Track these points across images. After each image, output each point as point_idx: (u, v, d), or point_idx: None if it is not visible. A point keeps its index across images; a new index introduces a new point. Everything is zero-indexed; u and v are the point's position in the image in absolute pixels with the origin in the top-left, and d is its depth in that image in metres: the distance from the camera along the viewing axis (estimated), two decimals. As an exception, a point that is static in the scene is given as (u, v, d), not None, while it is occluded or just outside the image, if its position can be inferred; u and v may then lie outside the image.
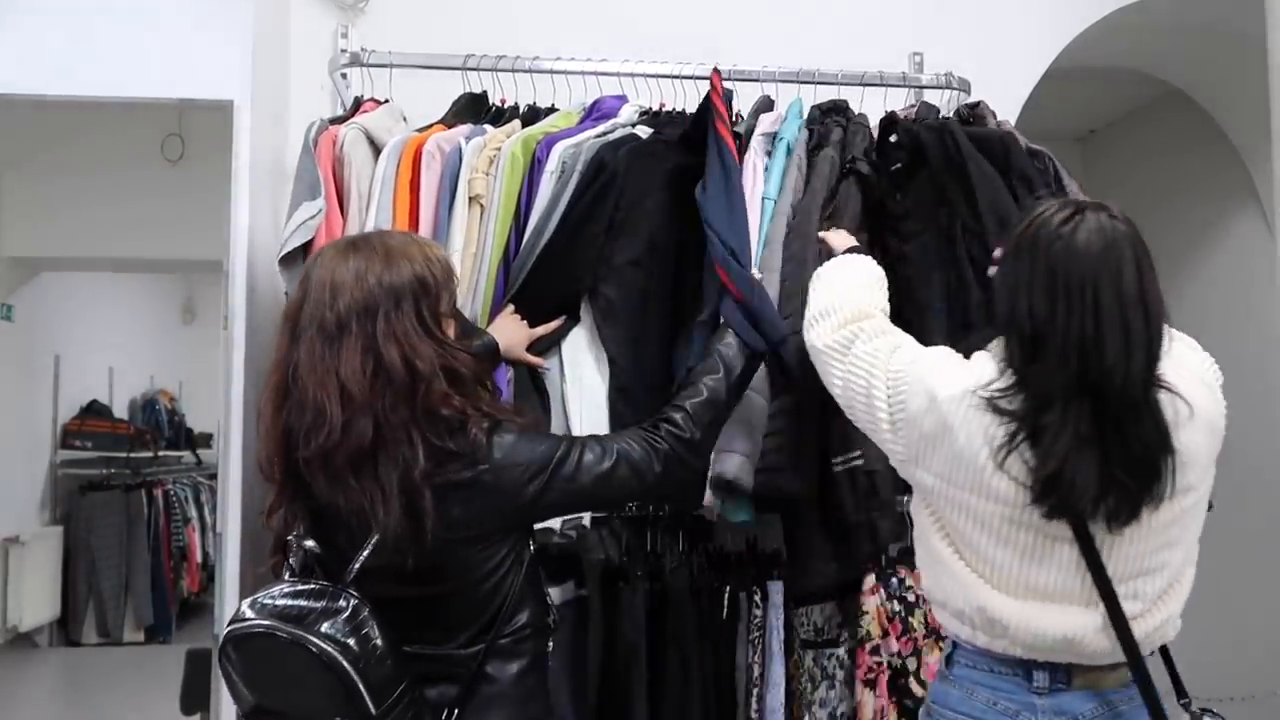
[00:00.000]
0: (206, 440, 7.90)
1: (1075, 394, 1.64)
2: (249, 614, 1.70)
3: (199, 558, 7.34)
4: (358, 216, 2.44)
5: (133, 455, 7.13)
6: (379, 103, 2.67)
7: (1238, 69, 3.69)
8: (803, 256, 2.37)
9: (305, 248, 2.40)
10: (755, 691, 2.49)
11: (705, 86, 2.76)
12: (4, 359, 5.95)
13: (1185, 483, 1.68)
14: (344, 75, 2.83)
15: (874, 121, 2.67)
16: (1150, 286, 1.65)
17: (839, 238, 2.31)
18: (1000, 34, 3.45)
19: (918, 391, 1.79)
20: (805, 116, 2.65)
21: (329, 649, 1.63)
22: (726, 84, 2.80)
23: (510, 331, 2.33)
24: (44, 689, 6.11)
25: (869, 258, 2.20)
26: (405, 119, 2.66)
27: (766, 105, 2.69)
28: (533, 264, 2.38)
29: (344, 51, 2.85)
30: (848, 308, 2.00)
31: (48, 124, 4.86)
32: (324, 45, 3.03)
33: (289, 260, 2.40)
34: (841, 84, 2.83)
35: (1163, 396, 1.66)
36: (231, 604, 2.71)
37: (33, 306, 6.17)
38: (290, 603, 1.69)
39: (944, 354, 1.86)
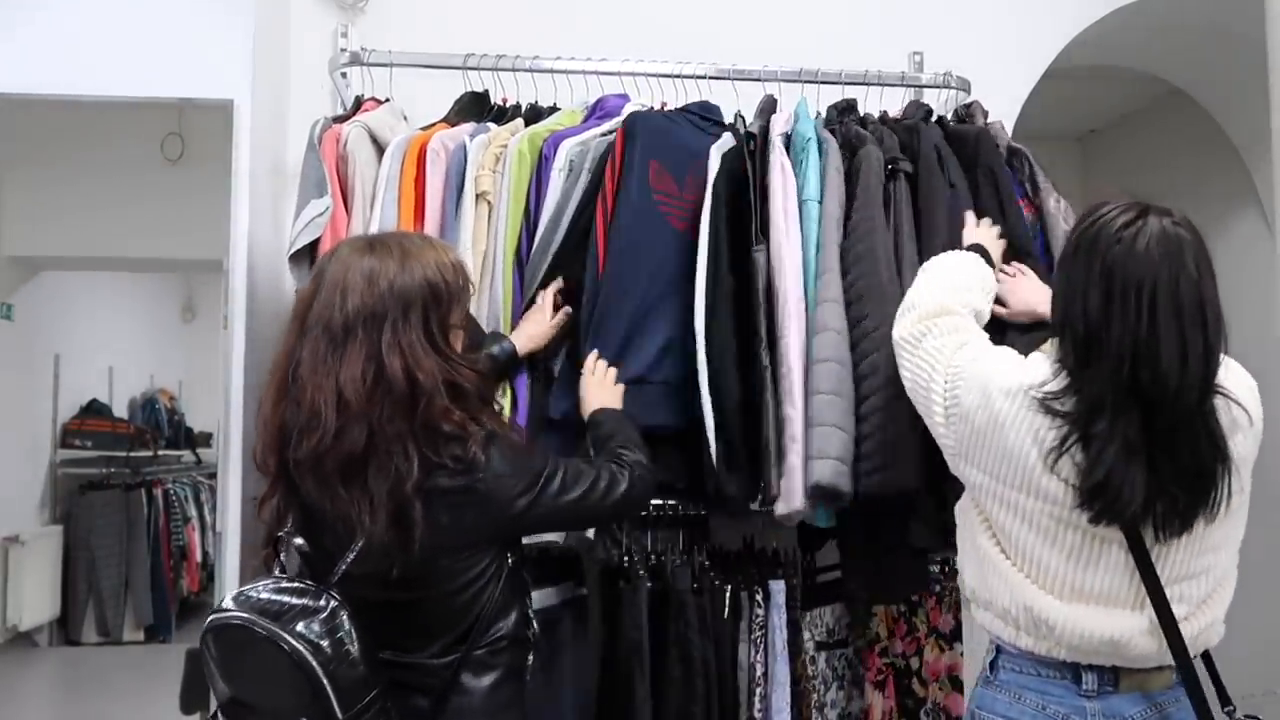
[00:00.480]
0: (206, 439, 7.90)
1: (1126, 401, 1.62)
2: (230, 606, 1.70)
3: (199, 557, 7.33)
4: (362, 213, 2.44)
5: (132, 454, 7.13)
6: (379, 102, 2.67)
7: (1238, 68, 3.68)
8: (873, 260, 2.36)
9: (313, 245, 2.40)
10: (758, 690, 2.49)
11: (706, 85, 2.77)
12: (4, 358, 5.94)
13: (1236, 484, 1.68)
14: (344, 75, 2.83)
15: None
16: (1210, 295, 1.63)
17: (979, 233, 2.33)
18: (1000, 33, 3.44)
19: (973, 387, 1.79)
20: (823, 117, 2.65)
21: (300, 648, 1.63)
22: (726, 83, 2.81)
23: (531, 328, 2.35)
24: (44, 688, 6.11)
25: (979, 258, 2.20)
26: (406, 118, 2.66)
27: (772, 105, 2.68)
28: (550, 261, 2.38)
29: (344, 51, 2.85)
30: (930, 303, 2.01)
31: (48, 123, 4.85)
32: (324, 44, 3.03)
33: (298, 258, 2.41)
34: (842, 83, 2.83)
35: (1219, 403, 1.65)
36: (232, 603, 2.71)
37: (33, 306, 6.17)
38: (272, 598, 1.70)
39: (1007, 353, 1.87)
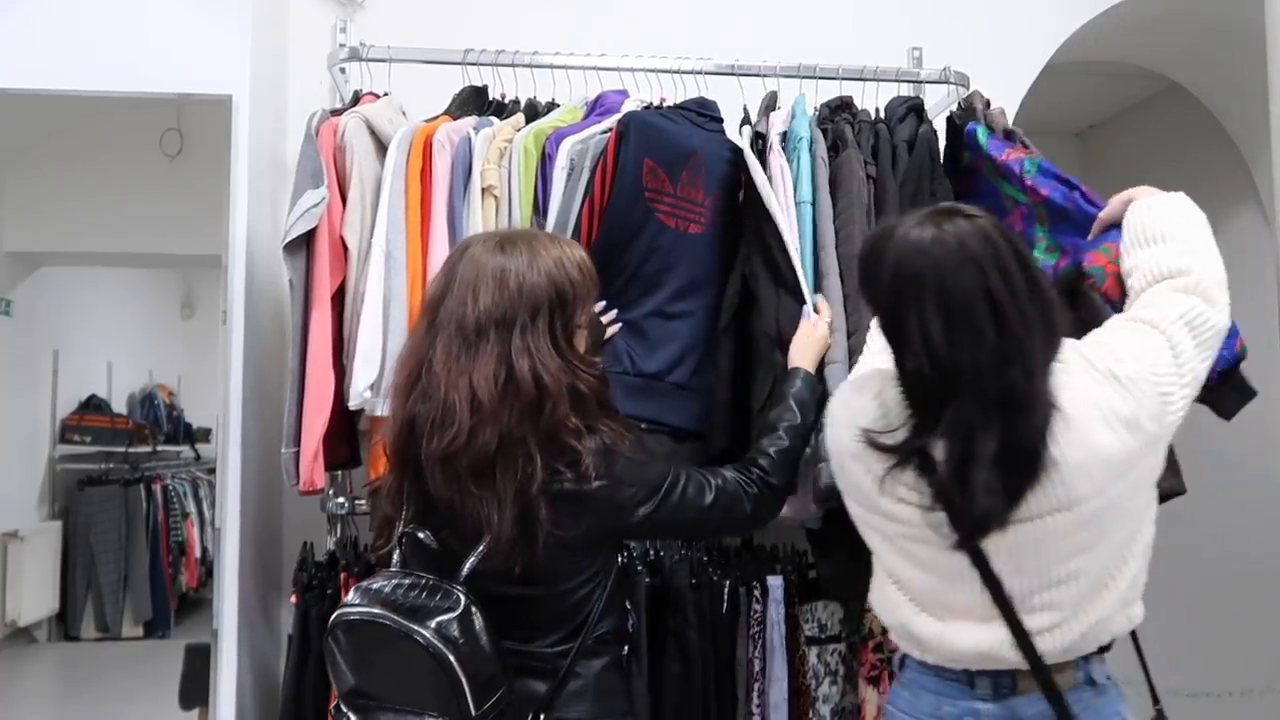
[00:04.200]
0: (205, 435, 7.85)
1: (939, 401, 1.64)
2: (358, 600, 1.73)
3: (197, 553, 7.30)
4: (359, 204, 2.44)
5: (131, 450, 7.11)
6: (378, 97, 2.67)
7: (1237, 64, 3.69)
8: (849, 262, 2.38)
9: (308, 235, 2.40)
10: (756, 686, 2.50)
11: (705, 81, 2.77)
12: (3, 354, 5.93)
13: (1080, 493, 1.65)
14: (343, 70, 2.82)
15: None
16: (1001, 285, 1.62)
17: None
18: (999, 29, 3.45)
19: (829, 422, 1.90)
20: (816, 114, 2.65)
21: (439, 645, 1.66)
22: (725, 79, 2.81)
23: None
24: (43, 684, 6.10)
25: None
26: (404, 113, 2.66)
27: (772, 103, 2.68)
28: None
29: (343, 46, 2.85)
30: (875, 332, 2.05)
31: (46, 119, 4.84)
32: (323, 40, 3.03)
33: (292, 247, 2.41)
34: (841, 79, 2.83)
35: (1038, 406, 1.63)
36: (230, 599, 2.71)
37: (32, 302, 6.14)
38: (404, 594, 1.72)
39: (852, 381, 1.97)
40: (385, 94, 2.70)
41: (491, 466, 1.72)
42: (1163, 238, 1.85)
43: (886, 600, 1.84)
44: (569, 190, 2.44)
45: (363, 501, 2.59)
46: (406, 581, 1.75)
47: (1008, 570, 1.68)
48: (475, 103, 2.74)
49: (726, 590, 2.54)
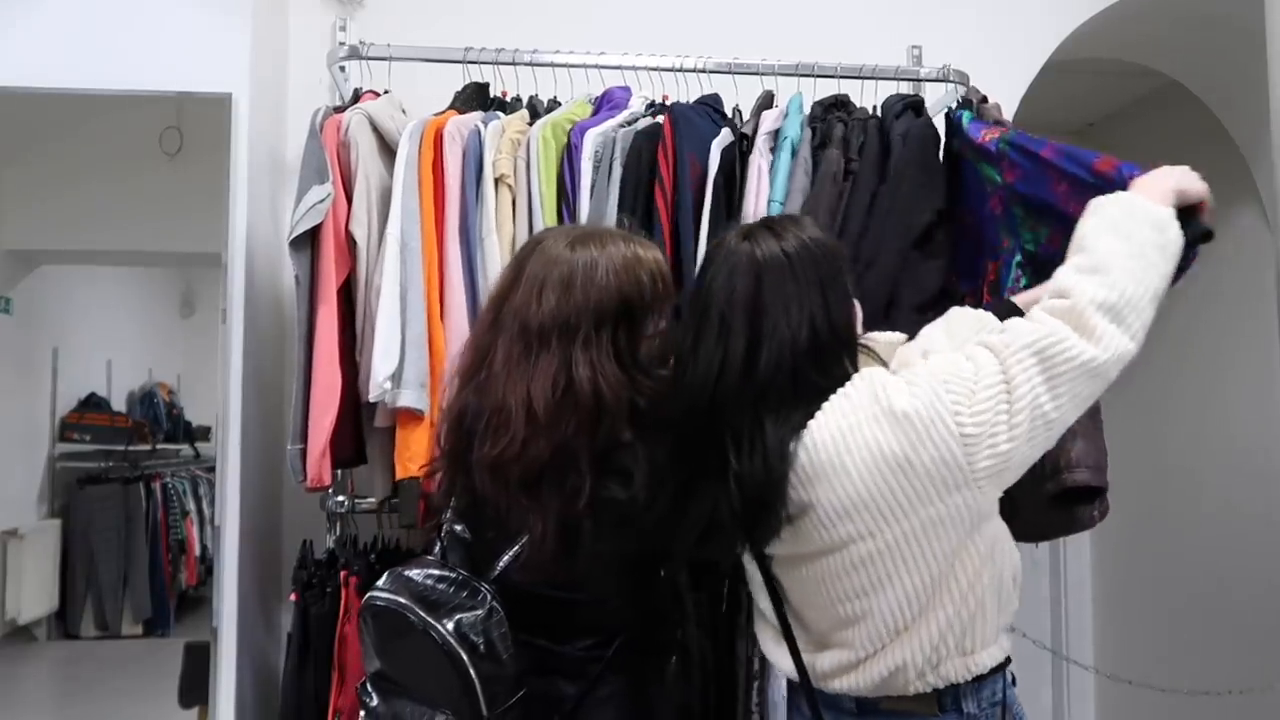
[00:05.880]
0: (205, 433, 7.83)
1: (687, 421, 1.63)
2: (389, 586, 1.74)
3: (197, 551, 7.29)
4: (363, 199, 2.46)
5: (131, 448, 7.11)
6: (378, 95, 2.68)
7: (1237, 62, 3.68)
8: None
9: (313, 232, 2.40)
10: (755, 684, 2.49)
11: (705, 79, 2.77)
12: (2, 352, 5.93)
13: (841, 535, 1.59)
14: (343, 68, 2.83)
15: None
16: (769, 304, 1.60)
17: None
18: (999, 27, 3.45)
19: None
20: (808, 113, 2.65)
21: (454, 644, 1.66)
22: (725, 77, 2.81)
23: None
24: (42, 682, 6.09)
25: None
26: (404, 111, 2.66)
27: (767, 102, 2.69)
28: None
29: (343, 44, 2.85)
30: None
31: (46, 117, 4.83)
32: (323, 38, 3.04)
33: (298, 244, 2.41)
34: (840, 77, 2.83)
35: (789, 444, 1.59)
36: (230, 597, 2.71)
37: (31, 300, 6.14)
38: (432, 585, 1.73)
39: None
40: (385, 92, 2.70)
41: (540, 478, 1.69)
42: (1080, 247, 1.65)
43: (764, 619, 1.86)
44: (602, 186, 2.47)
45: (363, 500, 2.60)
46: (437, 574, 1.75)
47: (802, 604, 1.70)
48: (478, 100, 2.75)
49: (726, 588, 2.53)
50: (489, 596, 1.72)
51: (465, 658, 1.66)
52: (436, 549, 1.84)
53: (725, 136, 2.52)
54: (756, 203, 2.47)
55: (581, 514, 1.69)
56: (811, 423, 1.59)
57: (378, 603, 1.74)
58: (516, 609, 1.73)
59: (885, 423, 1.55)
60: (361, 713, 1.80)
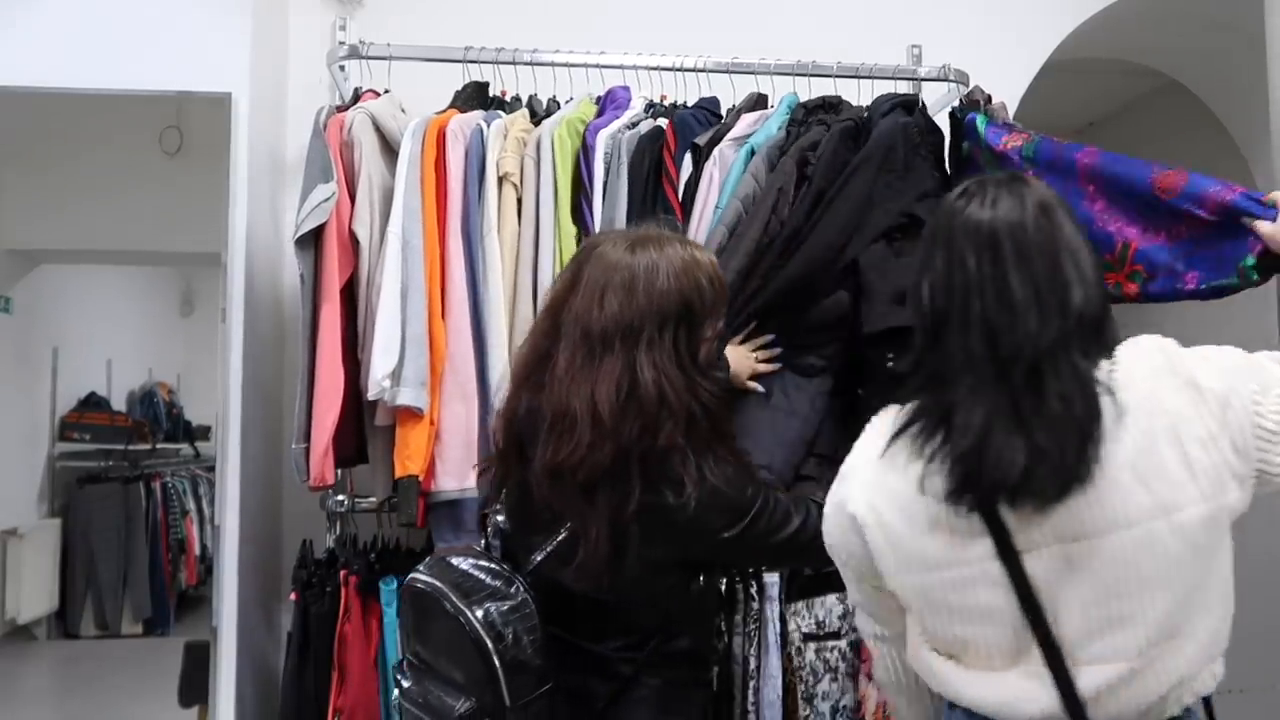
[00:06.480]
0: (205, 433, 7.83)
1: (981, 365, 1.42)
2: (430, 569, 1.77)
3: (197, 550, 7.29)
4: (366, 198, 2.46)
5: (131, 448, 7.11)
6: (378, 94, 2.68)
7: (1237, 62, 3.68)
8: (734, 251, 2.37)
9: (316, 230, 2.41)
10: (751, 684, 2.49)
11: (704, 79, 2.78)
12: (2, 352, 5.93)
13: (1139, 507, 1.38)
14: (342, 68, 2.83)
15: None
16: (1061, 245, 1.45)
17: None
18: (999, 26, 3.45)
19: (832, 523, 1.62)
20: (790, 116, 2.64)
21: (481, 631, 1.67)
22: (724, 76, 2.81)
23: (737, 360, 2.33)
24: (42, 681, 6.09)
25: None
26: (404, 110, 2.67)
27: (751, 104, 2.68)
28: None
29: (342, 44, 2.85)
30: None
31: (46, 117, 4.84)
32: (322, 38, 3.04)
33: (303, 242, 2.41)
34: (838, 76, 2.83)
35: (1096, 390, 1.40)
36: (230, 596, 2.71)
37: (31, 299, 6.15)
38: (469, 572, 1.75)
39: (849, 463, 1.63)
40: (385, 91, 2.70)
41: (598, 482, 1.69)
42: None
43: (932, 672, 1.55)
44: (614, 187, 2.48)
45: (363, 499, 2.60)
46: (477, 563, 1.77)
47: (1055, 604, 1.41)
48: (478, 99, 2.75)
49: (724, 588, 2.53)
50: (522, 589, 1.73)
51: (491, 646, 1.67)
52: (482, 540, 1.85)
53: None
54: (704, 211, 2.48)
55: (629, 519, 1.69)
56: (1116, 374, 1.43)
57: (417, 584, 1.77)
58: (549, 604, 1.75)
59: (1187, 394, 1.42)
60: (395, 691, 1.84)
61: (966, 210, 1.49)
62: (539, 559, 1.76)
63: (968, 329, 1.43)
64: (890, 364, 2.32)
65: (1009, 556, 1.42)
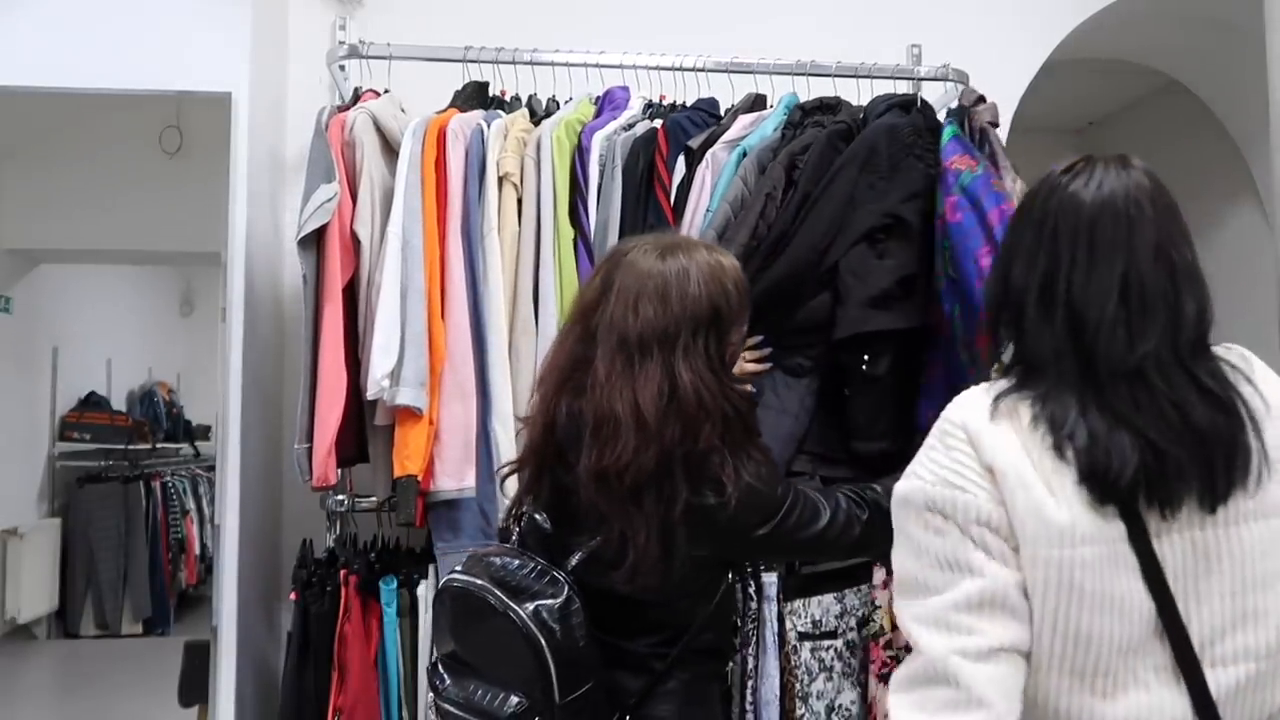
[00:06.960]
0: (204, 432, 7.85)
1: (1080, 356, 1.30)
2: (469, 569, 1.77)
3: (197, 550, 7.31)
4: (368, 198, 2.46)
5: (131, 447, 7.11)
6: (378, 94, 2.68)
7: (1236, 61, 3.68)
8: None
9: (319, 230, 2.41)
10: (749, 683, 2.49)
11: (704, 79, 2.77)
12: (2, 351, 5.93)
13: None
14: (342, 67, 2.83)
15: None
16: (1169, 235, 1.33)
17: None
18: (999, 26, 3.45)
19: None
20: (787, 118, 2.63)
21: (534, 628, 1.68)
22: (724, 76, 2.81)
23: None
24: (42, 681, 6.11)
25: None
26: (404, 110, 2.67)
27: (749, 105, 2.68)
28: None
29: (342, 44, 2.85)
30: None
31: (46, 116, 4.84)
32: (322, 38, 3.03)
33: (305, 242, 2.41)
34: (838, 76, 2.83)
35: (1229, 375, 1.30)
36: (230, 596, 2.72)
37: (31, 299, 6.15)
38: (511, 571, 1.75)
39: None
40: (385, 91, 2.70)
41: (644, 486, 1.71)
42: None
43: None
44: (609, 189, 2.49)
45: (362, 499, 2.60)
46: (517, 561, 1.77)
47: (1188, 597, 1.26)
48: (478, 99, 2.75)
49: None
50: (566, 585, 1.74)
51: (543, 641, 1.68)
52: (514, 538, 1.86)
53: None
54: (695, 214, 2.47)
55: (678, 521, 1.70)
56: (1255, 367, 1.35)
57: (455, 584, 1.77)
58: (587, 603, 1.76)
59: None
60: (430, 694, 1.85)
61: (1070, 187, 1.37)
62: (575, 561, 1.77)
63: (1067, 313, 1.32)
64: (865, 367, 2.35)
65: (1139, 539, 1.27)
